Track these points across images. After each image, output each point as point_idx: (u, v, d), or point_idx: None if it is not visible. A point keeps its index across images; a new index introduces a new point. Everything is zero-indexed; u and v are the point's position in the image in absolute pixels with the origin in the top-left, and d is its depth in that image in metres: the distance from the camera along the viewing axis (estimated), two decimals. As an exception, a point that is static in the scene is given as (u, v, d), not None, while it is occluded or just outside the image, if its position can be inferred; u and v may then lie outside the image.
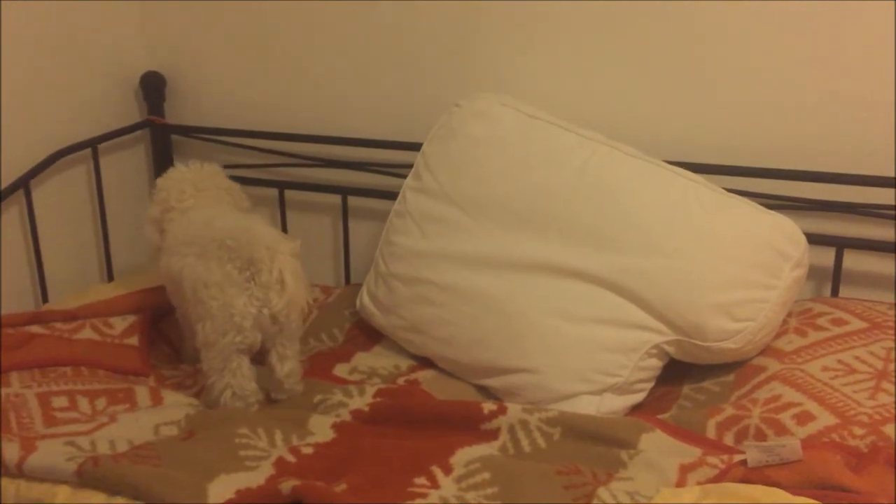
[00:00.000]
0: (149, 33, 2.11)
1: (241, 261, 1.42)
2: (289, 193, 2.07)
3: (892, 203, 1.61)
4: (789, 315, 1.56)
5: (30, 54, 1.86)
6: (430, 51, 1.89)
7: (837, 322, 1.52)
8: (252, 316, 1.43)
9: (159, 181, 1.71)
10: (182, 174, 1.69)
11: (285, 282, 1.42)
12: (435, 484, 1.25)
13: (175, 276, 1.51)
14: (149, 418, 1.44)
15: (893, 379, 1.37)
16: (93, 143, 1.98)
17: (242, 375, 1.46)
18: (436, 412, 1.44)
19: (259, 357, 1.52)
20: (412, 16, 1.88)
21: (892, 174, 1.61)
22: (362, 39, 1.94)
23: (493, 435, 1.38)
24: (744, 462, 1.24)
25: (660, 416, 1.43)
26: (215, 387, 1.46)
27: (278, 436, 1.39)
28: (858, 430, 1.29)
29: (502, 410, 1.40)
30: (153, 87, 2.09)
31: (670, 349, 1.52)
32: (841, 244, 1.66)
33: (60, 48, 1.93)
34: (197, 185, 1.67)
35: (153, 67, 2.10)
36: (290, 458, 1.32)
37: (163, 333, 1.79)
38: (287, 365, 1.51)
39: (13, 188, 1.82)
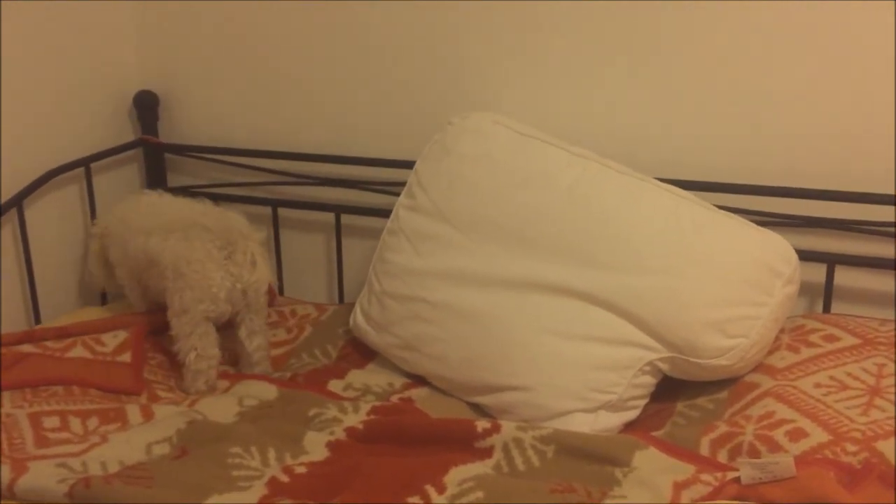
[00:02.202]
0: (142, 53, 2.12)
1: (221, 241, 1.63)
2: (282, 211, 2.08)
3: (883, 220, 1.62)
4: (782, 331, 1.56)
5: (24, 73, 1.86)
6: (423, 69, 1.90)
7: (829, 338, 1.53)
8: (226, 289, 1.63)
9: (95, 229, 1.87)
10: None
11: (256, 262, 1.65)
12: (428, 503, 1.25)
13: (150, 255, 1.68)
14: (140, 437, 1.43)
15: (886, 395, 1.38)
16: (86, 163, 1.98)
17: (208, 340, 1.65)
18: (430, 430, 1.44)
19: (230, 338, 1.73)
20: (404, 35, 1.89)
21: (886, 191, 1.61)
22: (355, 58, 1.95)
23: (487, 453, 1.37)
24: (737, 479, 1.23)
25: (654, 434, 1.43)
26: (182, 350, 1.65)
27: (271, 454, 1.38)
28: (851, 447, 1.29)
29: (496, 428, 1.40)
30: (146, 106, 2.10)
31: (664, 366, 1.52)
32: (832, 260, 1.67)
33: (54, 67, 1.93)
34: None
35: (146, 86, 2.10)
36: (284, 478, 1.31)
37: (157, 345, 1.78)
38: (256, 339, 1.71)
39: (6, 207, 1.82)
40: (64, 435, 1.45)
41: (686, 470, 1.30)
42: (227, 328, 1.73)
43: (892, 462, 1.25)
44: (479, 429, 1.40)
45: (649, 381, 1.53)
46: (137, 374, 1.67)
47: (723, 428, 1.39)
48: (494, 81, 1.85)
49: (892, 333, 1.52)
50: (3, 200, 1.82)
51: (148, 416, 1.53)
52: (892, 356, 1.46)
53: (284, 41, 2.00)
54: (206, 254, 1.61)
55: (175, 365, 1.74)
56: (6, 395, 1.52)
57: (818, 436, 1.31)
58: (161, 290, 1.67)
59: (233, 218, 1.69)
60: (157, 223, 1.69)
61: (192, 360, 1.63)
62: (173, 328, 1.65)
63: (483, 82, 1.86)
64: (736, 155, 1.72)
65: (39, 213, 1.91)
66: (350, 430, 1.45)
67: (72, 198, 2.00)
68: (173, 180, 2.15)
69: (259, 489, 1.28)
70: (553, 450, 1.36)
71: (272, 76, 2.03)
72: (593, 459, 1.34)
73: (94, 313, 1.85)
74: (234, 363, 1.76)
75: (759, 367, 1.51)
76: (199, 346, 1.63)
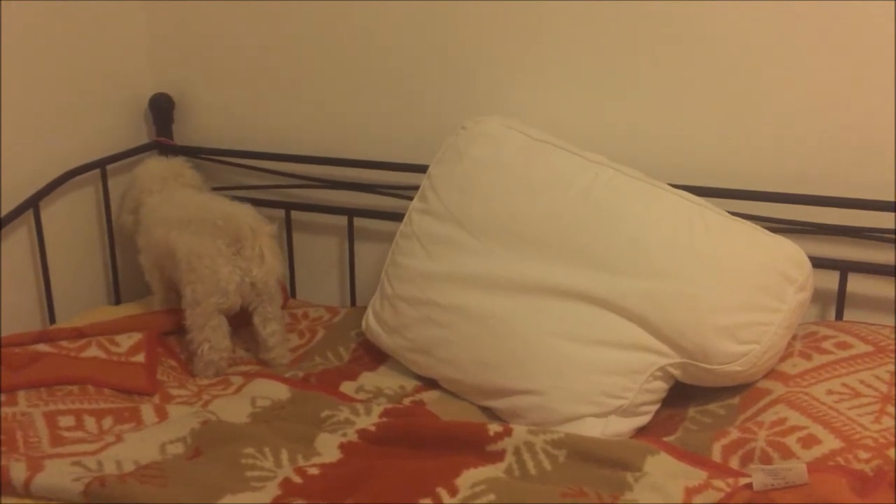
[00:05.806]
0: (157, 56, 2.13)
1: (229, 238, 1.70)
2: (295, 214, 2.09)
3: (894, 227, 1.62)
4: (794, 338, 1.56)
5: (40, 76, 1.88)
6: (436, 74, 1.91)
7: (842, 345, 1.53)
8: (235, 283, 1.70)
9: (137, 170, 1.94)
10: (156, 166, 1.95)
11: (264, 256, 1.71)
12: (440, 505, 1.25)
13: (169, 246, 1.74)
14: (154, 437, 1.44)
15: (898, 403, 1.38)
16: (102, 164, 2.00)
17: (220, 333, 1.73)
18: (441, 433, 1.44)
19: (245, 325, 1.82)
20: (418, 40, 1.90)
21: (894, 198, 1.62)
22: (369, 62, 1.96)
23: (498, 456, 1.38)
24: (749, 485, 1.24)
25: (665, 439, 1.43)
26: (195, 340, 1.72)
27: (284, 456, 1.39)
28: (863, 454, 1.29)
29: (508, 432, 1.40)
30: (161, 109, 2.11)
31: (676, 372, 1.52)
32: (845, 268, 1.67)
33: (70, 70, 1.95)
34: (164, 175, 1.93)
35: (162, 89, 2.12)
36: (297, 479, 1.32)
37: (170, 349, 1.79)
38: (270, 325, 1.77)
39: (22, 208, 1.84)
40: (79, 434, 1.46)
41: (698, 475, 1.30)
42: (246, 324, 1.81)
43: (905, 470, 1.25)
44: (491, 432, 1.40)
45: (661, 386, 1.53)
46: (151, 375, 1.68)
47: (735, 434, 1.39)
48: (507, 86, 1.86)
49: (905, 341, 1.52)
50: (21, 201, 1.83)
51: (162, 416, 1.54)
52: (905, 364, 1.46)
53: (298, 45, 2.01)
54: (216, 250, 1.69)
55: (187, 368, 1.76)
56: (22, 394, 1.53)
57: (830, 443, 1.31)
58: (178, 279, 1.75)
59: (244, 213, 1.75)
60: (178, 216, 1.77)
61: (205, 351, 1.71)
62: (187, 318, 1.72)
63: (496, 87, 1.87)
64: (750, 161, 1.72)
65: (56, 213, 1.93)
66: (362, 432, 1.46)
67: (87, 198, 2.02)
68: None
69: (272, 490, 1.29)
70: (564, 454, 1.36)
71: (286, 80, 2.04)
72: (605, 464, 1.34)
73: (108, 313, 1.87)
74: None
75: (772, 374, 1.51)
76: (211, 339, 1.71)
